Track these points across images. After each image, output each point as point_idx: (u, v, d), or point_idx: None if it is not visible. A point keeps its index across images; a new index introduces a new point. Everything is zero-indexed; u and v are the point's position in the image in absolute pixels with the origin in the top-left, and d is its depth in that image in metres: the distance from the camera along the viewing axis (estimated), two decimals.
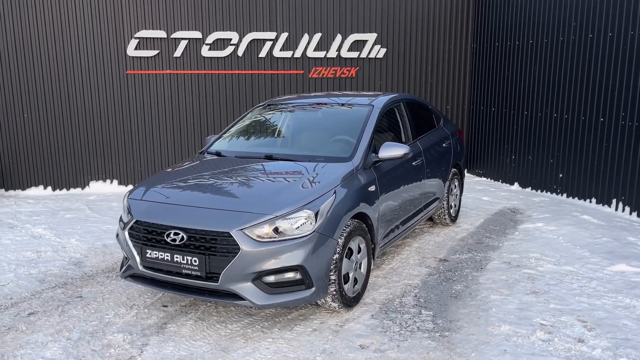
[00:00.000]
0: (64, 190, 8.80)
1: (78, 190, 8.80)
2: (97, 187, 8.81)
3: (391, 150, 4.39)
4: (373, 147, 4.48)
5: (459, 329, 3.76)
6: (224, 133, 5.13)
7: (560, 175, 7.85)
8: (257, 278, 3.48)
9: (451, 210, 6.34)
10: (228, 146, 4.89)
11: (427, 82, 9.65)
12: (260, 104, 5.48)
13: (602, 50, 6.99)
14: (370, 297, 4.30)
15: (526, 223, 6.45)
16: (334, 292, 3.75)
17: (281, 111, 5.21)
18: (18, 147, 8.54)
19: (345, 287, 3.90)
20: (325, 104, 5.16)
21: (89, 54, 8.46)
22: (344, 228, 3.82)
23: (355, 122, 4.67)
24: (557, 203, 7.44)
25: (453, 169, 6.31)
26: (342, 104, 5.08)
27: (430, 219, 6.39)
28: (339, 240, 3.76)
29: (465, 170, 10.01)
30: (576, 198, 7.58)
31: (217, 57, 8.80)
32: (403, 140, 5.27)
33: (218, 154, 4.75)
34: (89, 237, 6.04)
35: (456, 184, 6.47)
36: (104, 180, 8.89)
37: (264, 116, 5.21)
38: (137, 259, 3.77)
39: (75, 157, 8.70)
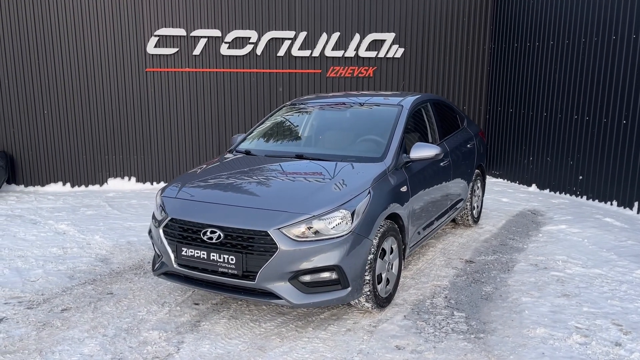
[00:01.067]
0: (82, 187, 8.83)
1: (96, 187, 8.83)
2: (115, 184, 8.84)
3: (422, 151, 4.38)
4: (404, 148, 4.47)
5: (493, 331, 3.75)
6: (252, 132, 5.13)
7: (580, 177, 7.81)
8: (294, 277, 3.48)
9: (474, 212, 6.32)
10: (257, 145, 4.89)
11: (444, 82, 9.63)
12: (287, 103, 5.48)
13: (626, 52, 6.95)
14: (401, 297, 4.29)
15: (549, 225, 6.43)
16: (368, 293, 3.75)
17: (309, 111, 5.21)
18: (38, 144, 8.57)
19: (379, 287, 3.90)
20: (354, 103, 5.16)
21: (109, 51, 8.48)
22: (379, 228, 3.82)
23: (386, 122, 4.67)
24: (577, 205, 7.41)
25: (476, 170, 6.29)
26: (371, 104, 5.07)
27: (453, 220, 6.38)
28: (374, 240, 3.75)
29: None
30: (596, 200, 7.55)
31: (236, 56, 8.80)
32: (430, 140, 5.26)
33: (247, 152, 4.75)
34: (112, 234, 6.06)
35: (479, 184, 6.46)
36: (122, 178, 8.91)
37: (291, 115, 5.21)
38: (172, 256, 3.78)
39: (94, 154, 8.73)
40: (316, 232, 3.51)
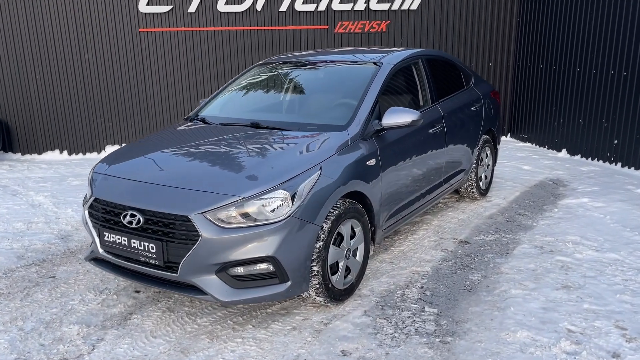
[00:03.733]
0: (80, 155, 8.56)
1: (94, 154, 8.54)
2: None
3: (397, 117, 3.71)
4: (377, 114, 3.81)
5: (465, 333, 3.14)
6: (215, 96, 4.56)
7: (615, 141, 6.88)
8: (222, 270, 2.97)
9: (481, 183, 5.60)
10: (215, 111, 4.33)
11: (467, 35, 8.70)
12: (258, 63, 4.86)
13: None
14: (369, 287, 3.72)
15: (569, 198, 5.64)
16: (318, 285, 3.20)
17: (279, 71, 4.58)
18: (32, 111, 8.31)
19: (334, 278, 3.34)
20: (330, 61, 4.48)
21: (99, 10, 8.01)
22: (331, 210, 3.23)
23: (359, 83, 4.00)
24: (609, 174, 6.53)
25: (484, 136, 5.54)
26: (347, 63, 4.38)
27: (457, 191, 5.68)
28: (324, 225, 3.17)
29: (509, 135, 9.14)
30: (632, 168, 6.64)
31: (235, 12, 8.17)
32: (421, 103, 4.56)
33: (203, 120, 4.20)
34: None
35: (488, 152, 5.70)
36: (120, 144, 8.59)
37: (259, 77, 4.60)
38: (97, 241, 3.33)
39: (90, 120, 8.41)
40: (249, 217, 2.96)
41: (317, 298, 3.28)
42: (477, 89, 5.50)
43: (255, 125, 3.83)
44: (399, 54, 4.42)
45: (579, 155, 7.56)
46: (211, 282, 2.96)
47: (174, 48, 8.20)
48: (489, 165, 5.78)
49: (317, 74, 4.44)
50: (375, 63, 4.20)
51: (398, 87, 4.37)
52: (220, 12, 8.14)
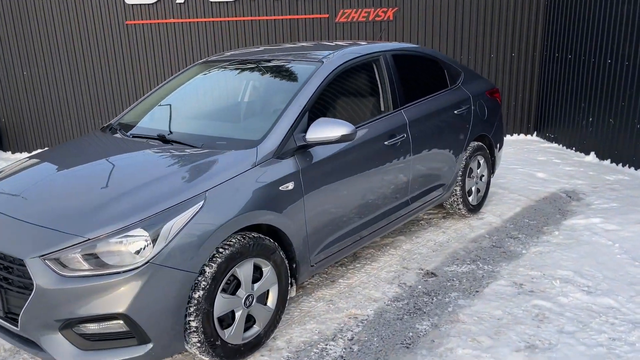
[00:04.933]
0: None
1: None
2: None
3: (323, 131, 3.03)
4: (304, 126, 3.13)
5: None
6: (142, 100, 4.00)
7: None
8: (67, 327, 2.42)
9: (470, 198, 4.80)
10: (132, 119, 3.76)
11: (486, 22, 7.78)
12: (200, 62, 4.25)
13: None
14: (287, 337, 3.08)
15: (577, 217, 4.75)
16: (199, 344, 2.60)
17: (215, 72, 3.96)
18: (21, 108, 8.06)
19: (226, 332, 2.73)
20: (273, 61, 3.82)
21: (85, 3, 7.63)
22: (219, 250, 2.61)
23: (291, 88, 3.34)
24: (636, 186, 5.56)
25: (475, 143, 4.73)
26: (291, 61, 3.70)
27: (442, 206, 4.92)
28: (206, 269, 2.56)
29: (535, 134, 8.18)
30: None
31: (227, 2, 7.59)
32: (382, 109, 3.84)
33: (114, 130, 3.64)
34: None
35: (481, 162, 4.88)
36: None
37: (191, 79, 3.99)
38: None
39: (79, 116, 8.09)
40: (98, 263, 2.39)
41: (203, 358, 2.68)
42: (465, 89, 4.69)
43: (161, 138, 3.24)
44: (349, 51, 3.71)
45: (609, 160, 6.56)
46: (54, 341, 2.42)
47: (163, 41, 7.73)
48: (482, 176, 4.96)
49: (251, 76, 3.80)
50: (315, 62, 3.51)
51: (349, 90, 3.67)
52: (212, 2, 7.59)
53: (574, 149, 7.31)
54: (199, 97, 3.73)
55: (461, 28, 7.80)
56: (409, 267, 3.93)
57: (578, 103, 7.13)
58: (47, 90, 7.94)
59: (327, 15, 7.70)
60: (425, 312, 3.30)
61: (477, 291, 3.55)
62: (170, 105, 3.76)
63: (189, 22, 7.67)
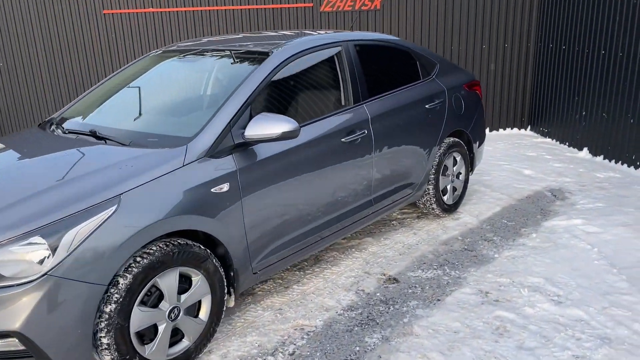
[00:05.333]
0: None
1: None
2: None
3: (262, 127, 2.78)
4: (246, 123, 2.88)
5: None
6: (87, 94, 3.76)
7: None
8: None
9: (445, 197, 4.54)
10: (72, 113, 3.53)
11: (477, 12, 7.48)
12: (149, 53, 4.00)
13: None
14: (222, 351, 2.85)
15: (559, 217, 4.48)
16: None
17: (163, 64, 3.71)
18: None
19: (149, 348, 2.50)
20: (221, 51, 3.56)
21: None
22: (136, 259, 2.38)
23: (234, 81, 3.09)
24: (627, 184, 5.26)
25: (450, 139, 4.46)
26: (240, 53, 3.45)
27: (416, 205, 4.66)
28: (120, 280, 2.34)
29: (529, 128, 7.88)
30: None
31: None
32: (342, 103, 3.58)
33: (50, 125, 3.40)
34: None
35: (458, 159, 4.61)
36: None
37: (141, 71, 3.74)
38: None
39: (57, 106, 7.87)
40: None
41: None
42: (440, 81, 4.41)
43: (93, 134, 3.00)
44: (304, 41, 3.45)
45: (602, 157, 6.26)
46: None
47: (142, 30, 7.49)
48: (459, 174, 4.69)
49: (196, 69, 3.54)
50: (264, 53, 3.26)
51: (304, 84, 3.42)
52: None
53: (567, 144, 7.01)
54: (141, 91, 3.49)
55: (452, 17, 7.49)
56: (371, 272, 3.68)
57: (571, 96, 6.81)
58: (23, 80, 7.74)
59: (311, 5, 7.42)
60: (378, 324, 3.06)
61: (438, 300, 3.30)
62: (111, 98, 3.52)
63: (169, 11, 7.42)
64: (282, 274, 3.68)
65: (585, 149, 6.56)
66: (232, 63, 3.35)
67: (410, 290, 3.43)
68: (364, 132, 3.56)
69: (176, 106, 3.21)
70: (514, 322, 3.00)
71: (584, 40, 6.47)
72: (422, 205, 4.51)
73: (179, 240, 2.54)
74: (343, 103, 3.59)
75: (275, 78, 3.17)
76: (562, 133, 7.11)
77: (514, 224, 4.41)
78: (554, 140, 7.34)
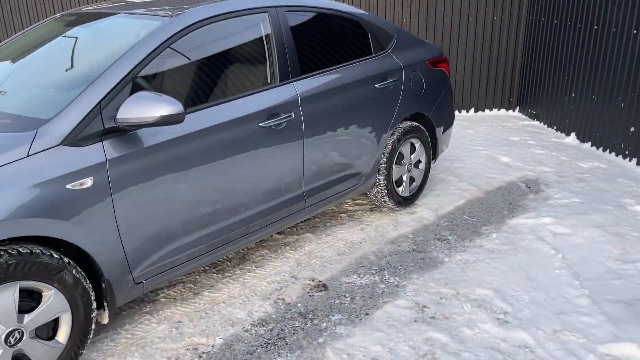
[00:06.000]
0: None
1: None
2: None
3: (138, 109, 2.27)
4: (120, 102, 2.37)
5: None
6: None
7: (632, 129, 5.01)
8: None
9: (399, 189, 4.03)
10: None
11: None
12: (55, 15, 3.47)
13: None
14: None
15: (527, 214, 3.97)
16: None
17: (62, 27, 3.18)
18: None
19: None
20: (116, 15, 3.02)
21: None
22: None
23: (118, 51, 2.56)
24: (611, 176, 4.72)
25: (408, 123, 3.94)
26: (139, 16, 2.91)
27: (367, 196, 4.16)
28: None
29: (517, 109, 7.29)
30: None
31: None
32: (268, 80, 3.06)
33: None
34: None
35: (417, 146, 4.09)
36: None
37: (34, 35, 3.21)
38: None
39: None
40: None
41: None
42: (396, 57, 3.86)
43: None
44: (214, 6, 2.90)
45: (589, 143, 5.71)
46: None
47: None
48: (419, 162, 4.18)
49: (83, 35, 3.00)
50: (163, 17, 2.73)
51: (216, 56, 2.88)
52: None
53: (554, 128, 6.44)
54: (21, 61, 2.97)
55: None
56: (299, 277, 3.21)
57: (561, 76, 6.22)
58: None
59: None
60: (287, 344, 2.60)
61: (366, 314, 2.82)
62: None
63: None
64: (197, 277, 3.21)
65: (573, 135, 6.00)
66: (121, 31, 2.82)
67: (337, 301, 2.95)
68: (291, 116, 3.04)
69: (43, 81, 2.69)
70: (446, 346, 2.53)
71: (577, 13, 5.85)
72: (373, 197, 4.01)
73: (19, 249, 2.06)
74: (269, 80, 3.06)
75: (176, 49, 2.65)
76: (551, 116, 6.53)
77: (476, 221, 3.91)
78: (542, 123, 6.77)
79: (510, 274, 3.15)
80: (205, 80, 2.79)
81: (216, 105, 2.73)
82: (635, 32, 4.90)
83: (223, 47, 2.89)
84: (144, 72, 2.50)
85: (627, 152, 5.09)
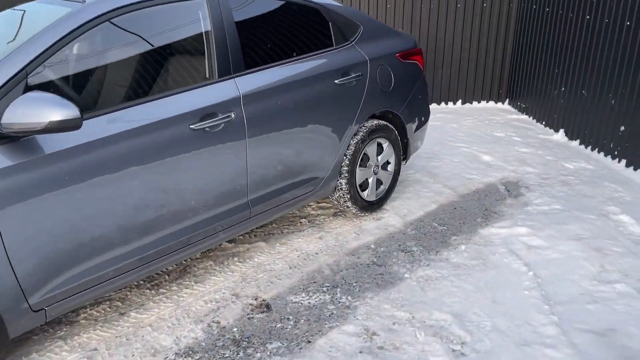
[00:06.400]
0: None
1: None
2: None
3: (25, 113, 1.94)
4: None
5: None
6: None
7: (622, 128, 4.67)
8: None
9: (364, 193, 3.71)
10: None
11: None
12: None
13: None
14: None
15: (501, 223, 3.65)
16: None
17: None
18: None
19: None
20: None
21: None
22: None
23: (18, 42, 2.22)
24: (596, 179, 4.40)
25: (374, 122, 3.60)
26: (54, 2, 2.56)
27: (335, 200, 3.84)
28: None
29: (507, 102, 6.95)
30: (639, 171, 4.46)
31: None
32: (206, 77, 2.71)
33: None
34: None
35: (384, 146, 3.76)
36: None
37: None
38: None
39: None
40: None
41: None
42: (361, 49, 3.51)
43: None
44: None
45: (578, 141, 5.37)
46: None
47: None
48: (388, 163, 3.85)
49: (23, 17, 2.64)
50: (74, 3, 2.38)
51: (143, 50, 2.54)
52: None
53: (543, 123, 6.09)
54: None
55: None
56: (242, 294, 2.90)
57: (552, 68, 5.86)
58: None
59: None
60: None
61: (308, 341, 2.52)
62: None
63: None
64: (127, 293, 2.90)
65: (562, 131, 5.66)
66: (33, 17, 2.46)
67: (279, 325, 2.65)
68: (229, 116, 2.70)
69: None
70: None
71: (568, 1, 5.47)
72: (335, 202, 3.69)
73: None
74: (207, 76, 2.72)
75: (90, 40, 2.31)
76: (540, 110, 6.18)
77: (445, 230, 3.59)
78: (531, 117, 6.42)
79: (474, 295, 2.84)
80: (125, 77, 2.45)
81: (136, 105, 2.39)
82: (628, 23, 4.54)
83: (150, 37, 2.54)
84: (44, 69, 2.16)
85: (616, 153, 4.76)
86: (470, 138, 5.58)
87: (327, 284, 2.99)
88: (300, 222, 3.74)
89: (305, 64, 3.16)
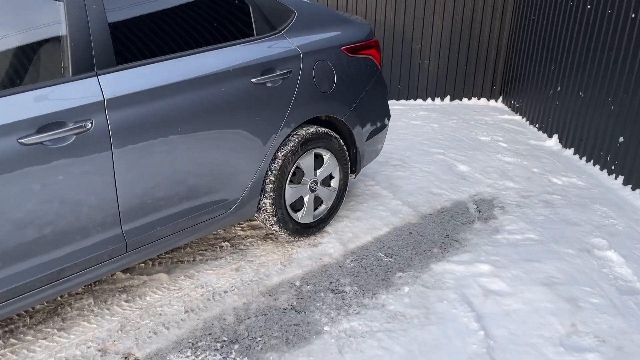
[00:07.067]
0: None
1: None
2: None
3: None
4: None
5: None
6: None
7: (621, 139, 3.98)
8: None
9: (299, 214, 3.07)
10: None
11: None
12: None
13: None
14: None
15: (459, 256, 3.00)
16: None
17: None
18: None
19: None
20: None
21: None
22: None
23: None
24: (586, 200, 3.73)
25: (310, 129, 2.95)
26: None
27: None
28: None
29: (500, 99, 6.26)
30: (638, 191, 3.78)
31: None
32: (53, 74, 2.08)
33: None
34: None
35: (326, 158, 3.11)
36: None
37: None
38: None
39: None
40: None
41: None
42: (293, 40, 2.85)
43: None
44: None
45: (572, 150, 4.68)
46: None
47: None
48: (331, 178, 3.21)
49: None
50: None
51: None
52: None
53: (537, 126, 5.40)
54: None
55: None
56: (110, 350, 2.30)
57: (548, 64, 5.14)
58: None
59: None
60: None
61: None
62: None
63: None
64: None
65: (555, 137, 4.98)
66: None
67: None
68: (83, 126, 2.06)
69: None
70: None
71: None
72: (262, 224, 3.06)
73: None
74: (55, 73, 2.08)
75: None
76: (534, 111, 5.48)
77: (392, 262, 2.95)
78: (524, 118, 5.73)
79: None
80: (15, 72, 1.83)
81: None
82: (633, 15, 3.82)
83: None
84: None
85: (612, 167, 4.07)
86: (450, 142, 4.91)
87: (225, 338, 2.38)
88: (221, 247, 3.12)
89: (208, 57, 2.51)
